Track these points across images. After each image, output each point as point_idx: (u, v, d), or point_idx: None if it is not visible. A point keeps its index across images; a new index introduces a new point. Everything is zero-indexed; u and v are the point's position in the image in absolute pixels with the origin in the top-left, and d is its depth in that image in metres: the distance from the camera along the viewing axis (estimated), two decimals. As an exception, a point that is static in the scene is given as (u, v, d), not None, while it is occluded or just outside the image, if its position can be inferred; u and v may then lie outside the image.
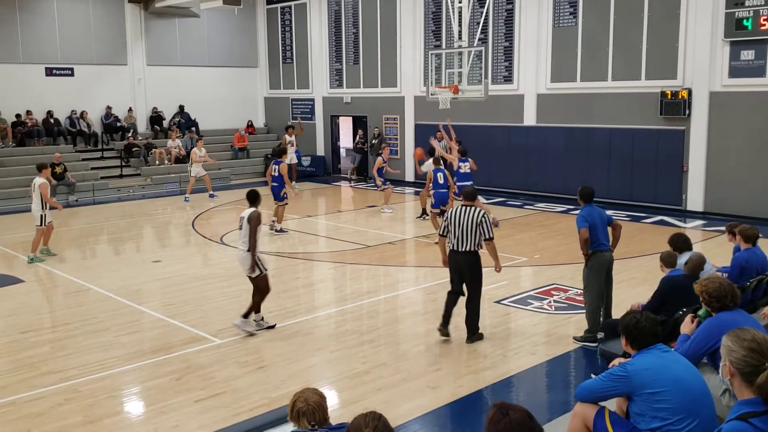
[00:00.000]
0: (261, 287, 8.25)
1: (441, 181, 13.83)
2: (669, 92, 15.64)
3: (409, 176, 21.17)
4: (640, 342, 4.03)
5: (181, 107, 24.09)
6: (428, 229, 14.24)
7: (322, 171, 23.97)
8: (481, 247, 7.73)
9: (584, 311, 8.00)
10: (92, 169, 20.93)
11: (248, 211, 8.21)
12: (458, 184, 13.87)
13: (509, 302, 9.33)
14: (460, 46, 15.14)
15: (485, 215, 7.68)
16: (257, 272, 8.16)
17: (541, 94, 18.19)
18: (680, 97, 15.49)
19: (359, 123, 23.21)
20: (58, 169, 19.00)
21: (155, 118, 23.64)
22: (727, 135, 15.14)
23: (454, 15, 15.59)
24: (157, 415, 6.24)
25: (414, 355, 7.60)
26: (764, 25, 14.20)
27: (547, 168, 18.10)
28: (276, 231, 14.18)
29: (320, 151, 24.43)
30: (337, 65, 23.42)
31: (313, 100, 24.46)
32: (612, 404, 4.24)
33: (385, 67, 21.81)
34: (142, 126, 23.49)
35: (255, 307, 8.27)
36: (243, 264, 8.25)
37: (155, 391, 6.77)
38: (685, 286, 6.00)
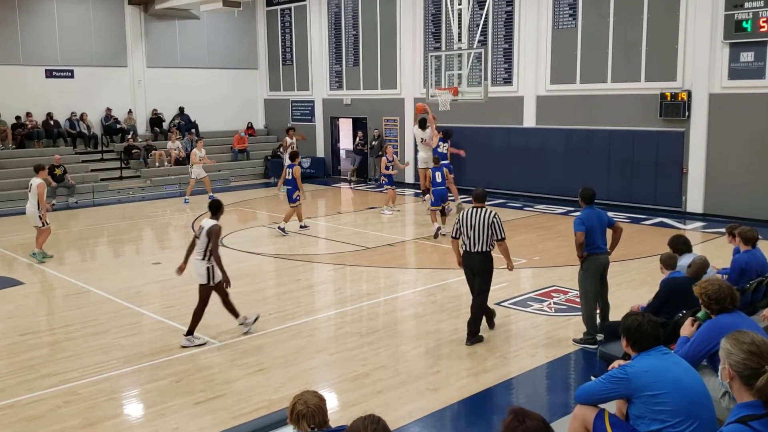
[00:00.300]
0: (201, 297, 7.99)
1: (439, 180, 14.13)
2: (669, 94, 15.64)
3: (409, 178, 21.17)
4: (641, 344, 4.02)
5: (181, 109, 24.10)
6: (429, 231, 14.28)
7: (322, 173, 23.98)
8: (494, 248, 7.84)
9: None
10: (92, 171, 20.94)
11: (209, 222, 8.00)
12: (439, 161, 14.90)
13: (509, 304, 9.33)
14: (459, 48, 15.15)
15: (496, 216, 7.82)
16: (205, 282, 7.95)
17: (541, 95, 18.20)
18: (680, 98, 15.50)
19: (359, 125, 23.21)
20: (57, 171, 19.03)
21: (155, 120, 23.64)
22: (726, 137, 15.15)
23: (453, 17, 15.61)
24: (156, 417, 6.24)
25: (413, 357, 7.60)
26: (763, 27, 14.20)
27: (546, 170, 18.10)
28: (279, 228, 14.38)
29: (320, 152, 24.43)
30: (336, 67, 23.43)
31: (313, 101, 24.47)
32: (612, 406, 4.23)
33: (385, 68, 21.82)
34: (142, 128, 23.50)
35: (195, 319, 7.98)
36: (196, 272, 8.02)
37: (155, 393, 6.77)
38: (686, 288, 5.99)
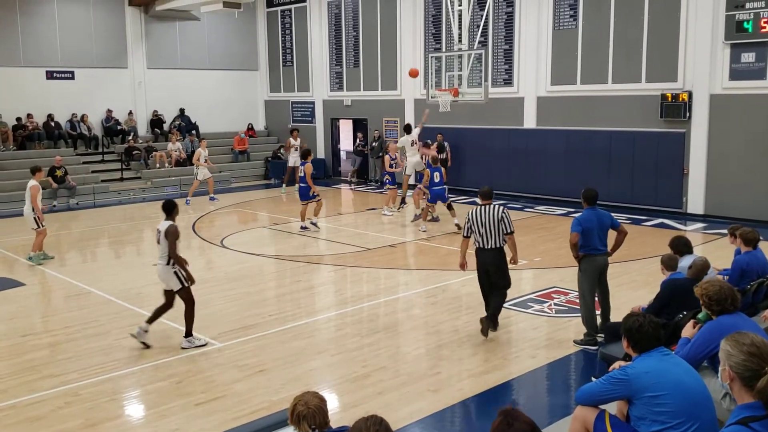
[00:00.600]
0: (185, 300, 7.94)
1: (437, 180, 14.42)
2: (669, 95, 15.64)
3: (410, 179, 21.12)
4: (642, 345, 4.02)
5: (182, 110, 24.11)
6: (429, 231, 14.28)
7: (322, 174, 23.93)
8: (506, 242, 8.00)
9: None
10: (93, 172, 20.95)
11: (165, 224, 7.90)
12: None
13: (509, 305, 9.30)
14: (460, 49, 15.17)
15: (505, 210, 8.03)
16: (179, 286, 7.88)
17: (542, 96, 18.20)
18: (681, 99, 15.49)
19: (359, 126, 23.22)
20: (58, 173, 19.04)
21: (156, 122, 23.65)
22: (727, 137, 15.14)
23: (454, 18, 15.63)
24: (157, 418, 6.24)
25: (414, 358, 7.60)
26: (764, 27, 14.20)
27: (547, 171, 18.10)
28: (303, 228, 14.69)
29: (320, 153, 24.42)
30: (337, 68, 23.44)
31: (313, 103, 24.48)
32: (612, 407, 4.23)
33: (385, 70, 21.83)
34: (143, 129, 23.51)
35: (190, 320, 7.95)
36: (164, 278, 7.98)
37: (156, 394, 6.78)
38: (687, 289, 5.99)
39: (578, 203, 8.06)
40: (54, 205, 18.78)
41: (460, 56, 15.13)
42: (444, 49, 19.12)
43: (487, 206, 8.03)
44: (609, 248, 7.84)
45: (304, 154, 15.22)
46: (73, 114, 21.73)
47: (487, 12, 17.62)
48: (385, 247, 13.19)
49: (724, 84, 15.03)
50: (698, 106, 15.38)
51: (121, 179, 21.37)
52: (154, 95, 23.54)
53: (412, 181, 16.90)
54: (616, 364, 4.31)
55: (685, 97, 15.43)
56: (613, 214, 8.06)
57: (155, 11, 22.89)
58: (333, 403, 6.31)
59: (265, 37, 25.82)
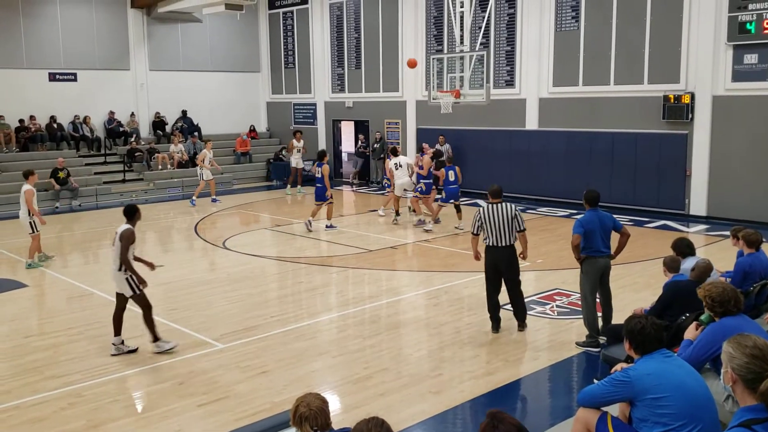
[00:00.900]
0: (141, 306, 7.84)
1: (452, 179, 14.60)
2: (672, 96, 15.63)
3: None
4: (644, 347, 4.01)
5: (184, 112, 24.14)
6: (430, 232, 14.27)
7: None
8: (516, 240, 8.17)
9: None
10: (95, 173, 20.99)
11: (123, 227, 7.80)
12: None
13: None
14: (461, 51, 15.16)
15: (517, 208, 8.20)
16: (131, 293, 7.74)
17: (543, 98, 18.19)
18: (683, 101, 15.48)
19: (361, 127, 23.23)
20: (61, 174, 19.08)
21: (158, 123, 23.69)
22: (730, 139, 15.13)
23: (455, 19, 15.63)
24: (159, 419, 6.24)
25: (416, 360, 7.59)
26: (767, 28, 14.19)
27: (549, 172, 18.10)
28: (326, 228, 14.98)
29: (322, 155, 24.41)
30: (339, 70, 23.45)
31: (315, 104, 24.50)
32: (615, 409, 4.23)
33: (387, 71, 21.84)
34: (145, 131, 23.54)
35: (151, 326, 7.82)
36: (116, 283, 7.86)
37: (158, 395, 6.79)
38: (690, 291, 5.98)
39: (580, 205, 8.06)
40: (56, 207, 18.80)
41: (461, 58, 15.13)
42: (446, 51, 19.11)
43: (499, 204, 8.14)
44: (612, 251, 7.83)
45: (320, 156, 15.35)
46: (75, 116, 21.77)
47: (489, 13, 17.63)
48: (387, 249, 13.19)
49: (727, 85, 15.01)
50: (701, 107, 15.37)
51: (124, 181, 21.40)
52: (156, 97, 23.58)
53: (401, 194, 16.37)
54: (618, 366, 4.30)
55: (688, 98, 15.42)
56: (615, 216, 8.05)
57: (157, 13, 22.92)
58: (335, 405, 6.31)
59: (267, 39, 25.85)
